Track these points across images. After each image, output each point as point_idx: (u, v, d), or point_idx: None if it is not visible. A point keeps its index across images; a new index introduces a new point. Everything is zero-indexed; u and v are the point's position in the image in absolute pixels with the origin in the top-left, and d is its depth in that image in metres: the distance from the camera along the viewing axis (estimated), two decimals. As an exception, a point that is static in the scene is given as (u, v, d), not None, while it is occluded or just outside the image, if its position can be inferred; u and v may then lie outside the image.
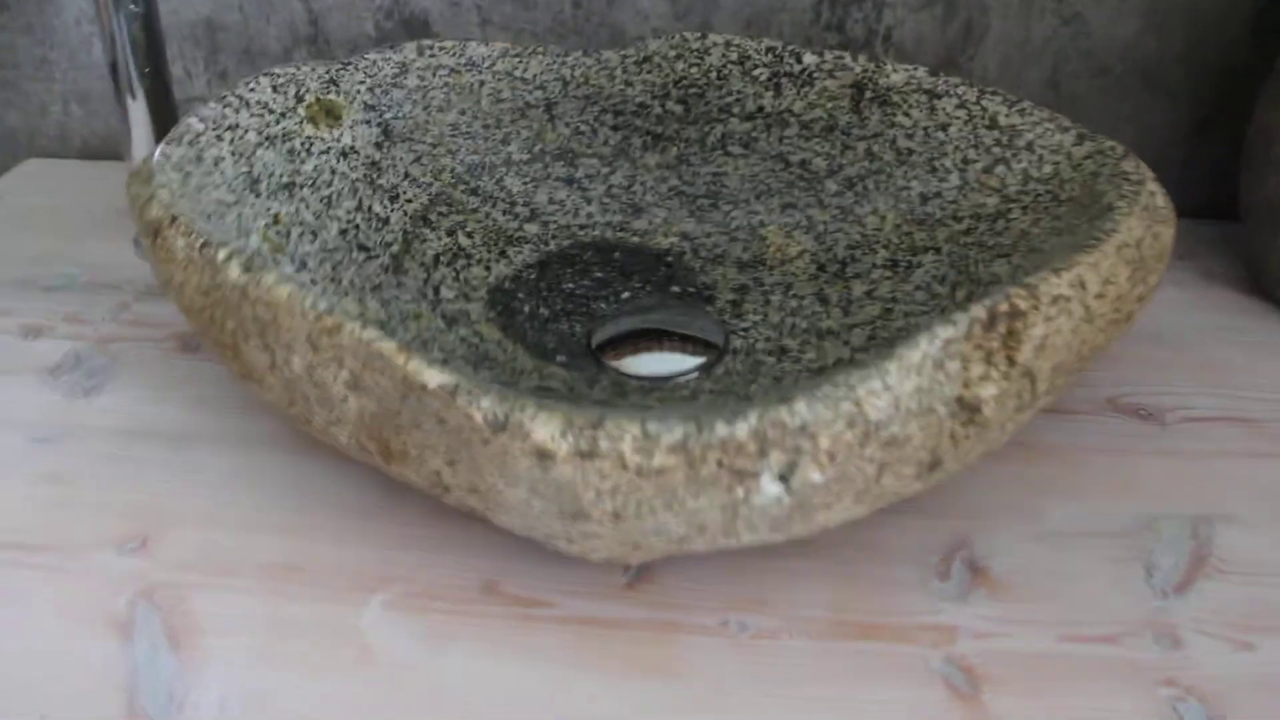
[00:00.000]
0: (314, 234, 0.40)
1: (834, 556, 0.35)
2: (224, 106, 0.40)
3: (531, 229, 0.46)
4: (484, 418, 0.27)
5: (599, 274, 0.45)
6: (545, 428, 0.26)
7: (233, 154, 0.39)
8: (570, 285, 0.44)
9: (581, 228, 0.46)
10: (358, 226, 0.42)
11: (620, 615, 0.32)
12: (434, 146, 0.46)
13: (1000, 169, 0.42)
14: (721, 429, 0.26)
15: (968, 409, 0.30)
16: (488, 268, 0.44)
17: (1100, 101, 0.54)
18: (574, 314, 0.43)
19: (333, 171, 0.43)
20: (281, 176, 0.41)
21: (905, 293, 0.41)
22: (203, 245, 0.32)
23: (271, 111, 0.42)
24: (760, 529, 0.29)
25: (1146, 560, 0.35)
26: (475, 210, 0.46)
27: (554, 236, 0.46)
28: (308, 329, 0.29)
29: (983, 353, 0.29)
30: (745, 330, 0.42)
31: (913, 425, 0.28)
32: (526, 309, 0.42)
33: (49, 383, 0.42)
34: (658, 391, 0.38)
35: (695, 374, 0.39)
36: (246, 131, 0.40)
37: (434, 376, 0.27)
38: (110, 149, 0.61)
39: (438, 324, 0.40)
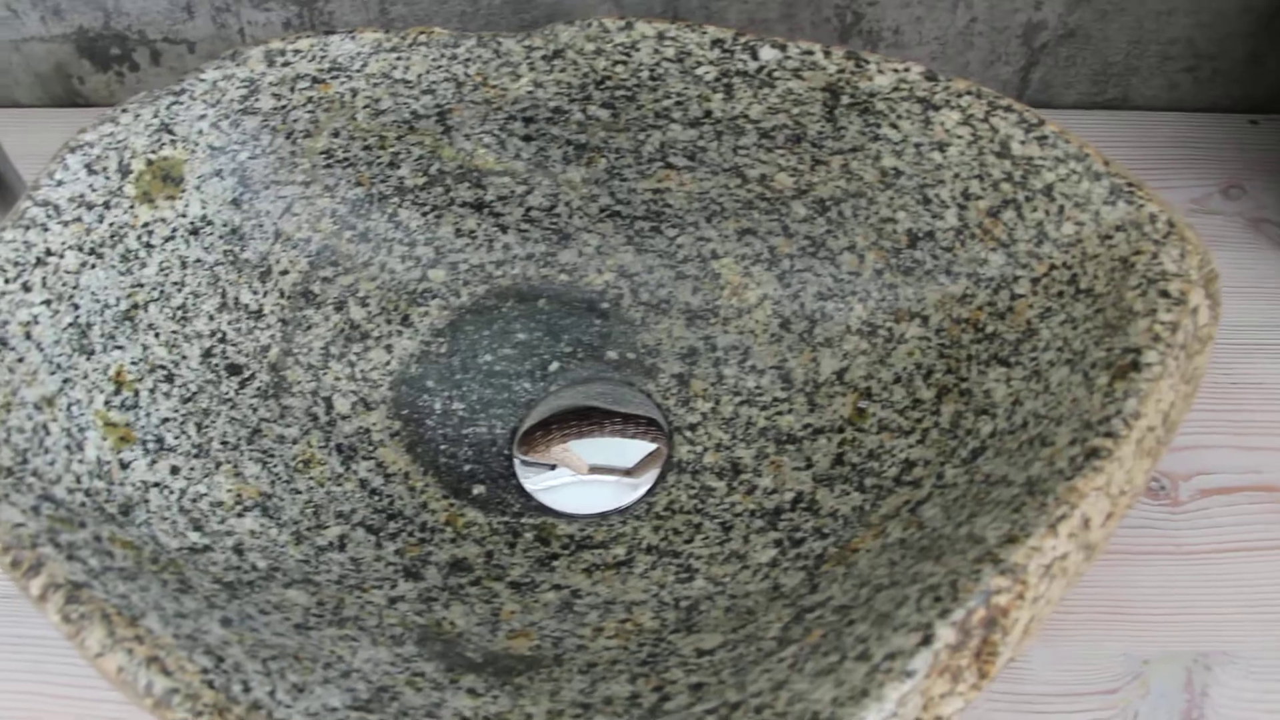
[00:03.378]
0: (170, 377, 0.34)
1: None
2: (22, 230, 0.32)
3: (437, 275, 0.39)
4: None
5: (522, 335, 0.38)
6: None
7: (47, 304, 0.32)
8: (489, 358, 0.38)
9: (498, 265, 0.39)
10: (224, 336, 0.36)
11: None
12: (307, 185, 0.38)
13: (1009, 214, 0.34)
14: None
15: (926, 729, 0.26)
16: (388, 348, 0.38)
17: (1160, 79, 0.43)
18: (493, 405, 0.37)
19: (183, 265, 0.35)
20: (118, 303, 0.34)
21: (882, 384, 0.35)
22: (13, 563, 0.27)
23: (91, 207, 0.34)
24: None
25: (1132, 732, 0.32)
26: (368, 263, 0.38)
27: (465, 282, 0.39)
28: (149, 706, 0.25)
29: (949, 674, 0.25)
30: (692, 429, 0.36)
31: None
32: (438, 406, 0.37)
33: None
34: (589, 551, 0.34)
35: (635, 505, 0.35)
36: (61, 255, 0.33)
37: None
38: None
39: (333, 465, 0.35)
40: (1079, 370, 0.30)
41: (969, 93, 0.34)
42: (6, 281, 0.32)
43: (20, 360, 0.31)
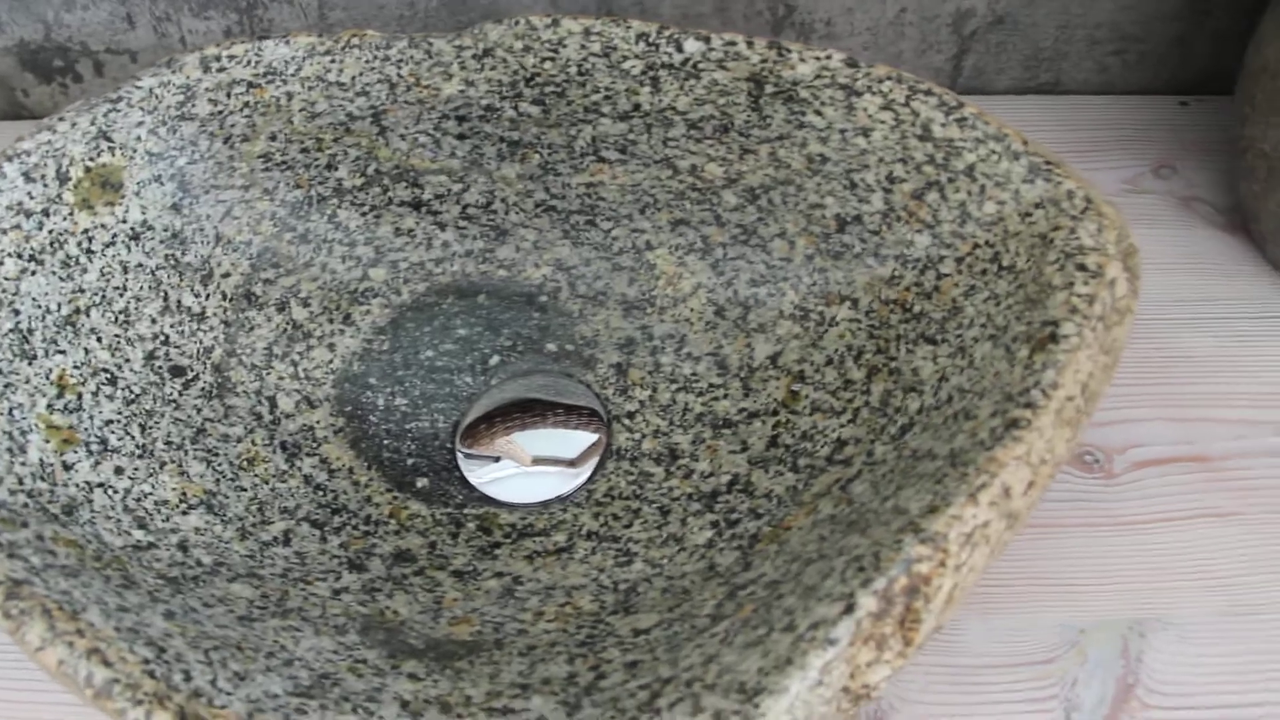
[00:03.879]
0: (112, 379, 0.35)
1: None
2: (-41, 237, 0.33)
3: (378, 274, 0.39)
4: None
5: (462, 331, 0.39)
6: None
7: (-14, 306, 0.33)
8: (430, 354, 0.39)
9: (437, 262, 0.40)
10: (166, 339, 0.36)
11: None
12: (246, 189, 0.38)
13: (933, 195, 0.35)
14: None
15: (855, 696, 0.27)
16: (331, 346, 0.38)
17: (1076, -26, 0.44)
18: (435, 399, 0.38)
19: (124, 269, 0.36)
20: (59, 309, 0.34)
21: (815, 366, 0.36)
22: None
23: (29, 214, 0.34)
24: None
25: (1068, 700, 0.33)
26: (309, 264, 0.39)
27: (406, 280, 0.39)
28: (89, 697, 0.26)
29: (874, 643, 0.26)
30: (631, 416, 0.37)
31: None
32: (381, 402, 0.37)
33: None
34: (530, 539, 0.34)
35: (576, 494, 0.35)
36: (0, 262, 0.33)
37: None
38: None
39: (277, 462, 0.35)
40: (1001, 345, 0.31)
41: (889, 78, 0.35)
42: (-58, 292, 0.32)
43: (-42, 367, 0.32)
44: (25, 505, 0.30)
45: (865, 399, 0.34)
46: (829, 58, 0.35)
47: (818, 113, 0.36)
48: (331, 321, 0.39)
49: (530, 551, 0.34)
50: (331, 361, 0.38)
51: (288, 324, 0.38)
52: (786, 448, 0.35)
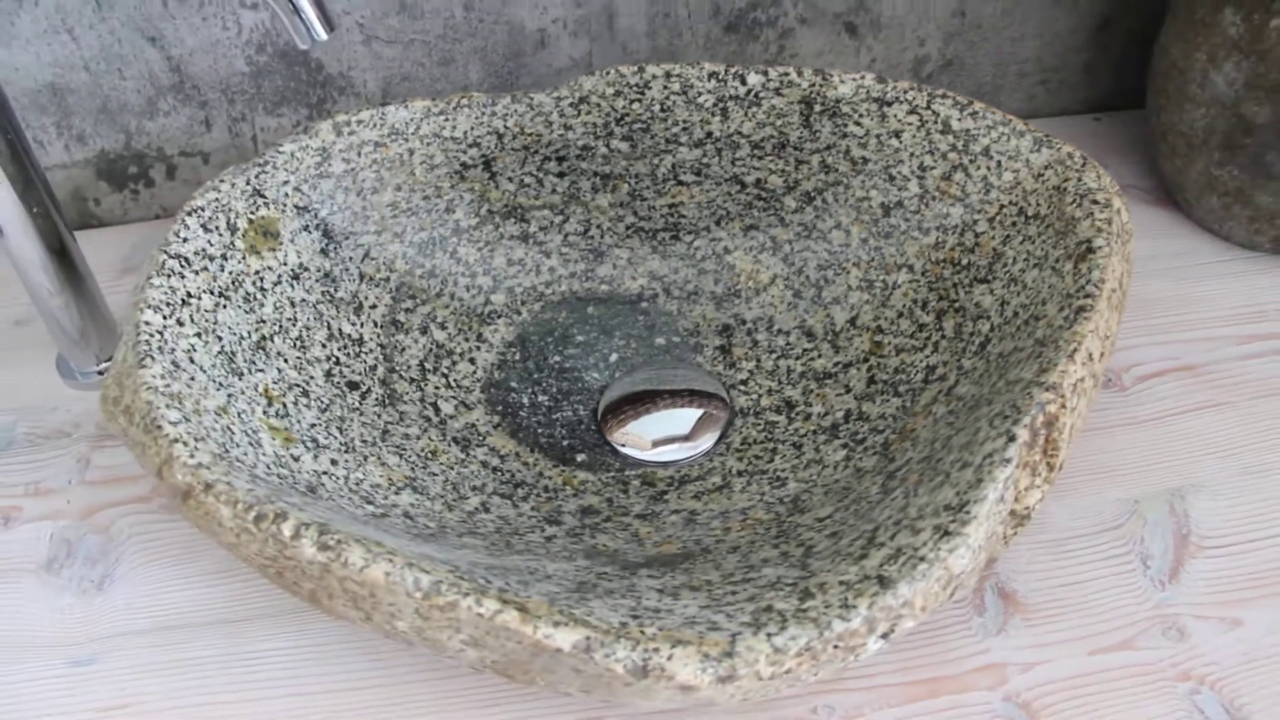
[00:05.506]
0: (305, 393, 0.40)
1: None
2: (165, 277, 0.38)
3: (498, 299, 0.46)
4: (624, 668, 0.30)
5: (580, 337, 0.46)
6: (686, 667, 0.29)
7: (199, 336, 0.38)
8: (557, 359, 0.45)
9: (547, 285, 0.47)
10: (338, 360, 0.42)
11: (723, 729, 0.37)
12: (379, 234, 0.45)
13: (959, 176, 0.45)
14: (839, 625, 0.30)
15: (1018, 518, 0.34)
16: (472, 360, 0.45)
17: (1005, 21, 0.56)
18: (571, 394, 0.44)
19: (292, 304, 0.42)
20: (251, 336, 0.40)
21: (889, 320, 0.45)
22: (257, 518, 0.32)
23: (212, 259, 0.40)
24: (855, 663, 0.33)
25: (1141, 551, 0.42)
26: (439, 294, 0.46)
27: (523, 303, 0.46)
28: (414, 605, 0.31)
29: (1029, 469, 0.34)
30: (744, 383, 0.45)
31: (981, 555, 0.33)
32: (525, 400, 0.44)
33: (51, 583, 0.41)
34: (690, 484, 0.41)
35: (712, 448, 0.42)
36: (199, 298, 0.39)
37: (566, 638, 0.30)
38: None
39: (455, 453, 0.41)
40: (1046, 267, 0.41)
41: (911, 88, 0.45)
42: (165, 318, 0.37)
43: (193, 379, 0.37)
44: (278, 484, 0.35)
45: (940, 334, 0.43)
46: (862, 78, 0.45)
47: (857, 123, 0.46)
48: (467, 340, 0.45)
49: (695, 492, 0.41)
50: (475, 372, 0.44)
51: (432, 345, 0.44)
52: (884, 382, 0.43)
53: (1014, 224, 0.43)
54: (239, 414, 0.37)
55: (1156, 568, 0.41)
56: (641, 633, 0.30)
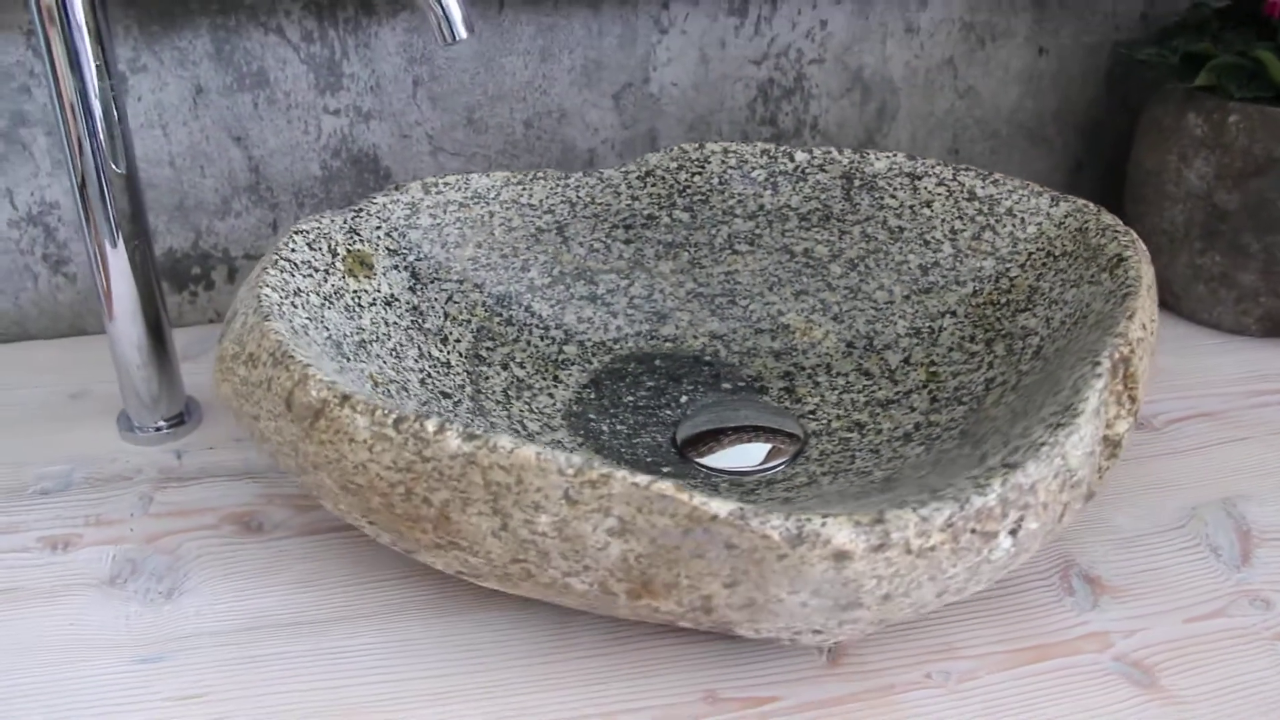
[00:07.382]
0: (404, 389, 0.42)
1: (974, 596, 0.42)
2: (279, 272, 0.42)
3: (571, 350, 0.50)
4: (780, 535, 0.31)
5: (650, 383, 0.49)
6: (841, 531, 0.31)
7: (310, 320, 0.41)
8: (630, 398, 0.49)
9: (615, 342, 0.51)
10: (430, 375, 0.45)
11: (843, 692, 0.38)
12: (460, 283, 0.49)
13: (988, 234, 0.51)
14: (977, 499, 0.32)
15: (1111, 444, 0.38)
16: (550, 395, 0.48)
17: (992, 159, 0.66)
18: (649, 425, 0.47)
19: (386, 323, 0.45)
20: (353, 335, 0.43)
21: (941, 354, 0.49)
22: (397, 420, 0.34)
23: (316, 270, 0.44)
24: (984, 582, 0.35)
25: (1209, 544, 0.44)
26: (516, 340, 0.49)
27: (593, 355, 0.50)
28: (565, 486, 0.32)
29: (1115, 396, 0.38)
30: (812, 413, 0.48)
31: (1086, 467, 0.36)
32: (605, 428, 0.46)
33: (116, 595, 0.41)
34: (776, 485, 0.44)
35: (791, 461, 0.45)
36: (308, 295, 0.42)
37: (722, 506, 0.31)
38: (16, 330, 0.58)
39: (548, 457, 0.43)
40: (1084, 283, 0.46)
41: (938, 164, 0.53)
42: (282, 297, 0.40)
43: (310, 344, 0.39)
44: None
45: (993, 355, 0.47)
46: (895, 156, 0.53)
47: (893, 196, 0.53)
48: (544, 379, 0.48)
49: (784, 489, 0.43)
50: (554, 404, 0.47)
51: (512, 379, 0.47)
52: (946, 399, 0.47)
53: (1044, 264, 0.49)
54: (350, 380, 0.39)
55: (1228, 555, 0.44)
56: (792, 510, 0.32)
